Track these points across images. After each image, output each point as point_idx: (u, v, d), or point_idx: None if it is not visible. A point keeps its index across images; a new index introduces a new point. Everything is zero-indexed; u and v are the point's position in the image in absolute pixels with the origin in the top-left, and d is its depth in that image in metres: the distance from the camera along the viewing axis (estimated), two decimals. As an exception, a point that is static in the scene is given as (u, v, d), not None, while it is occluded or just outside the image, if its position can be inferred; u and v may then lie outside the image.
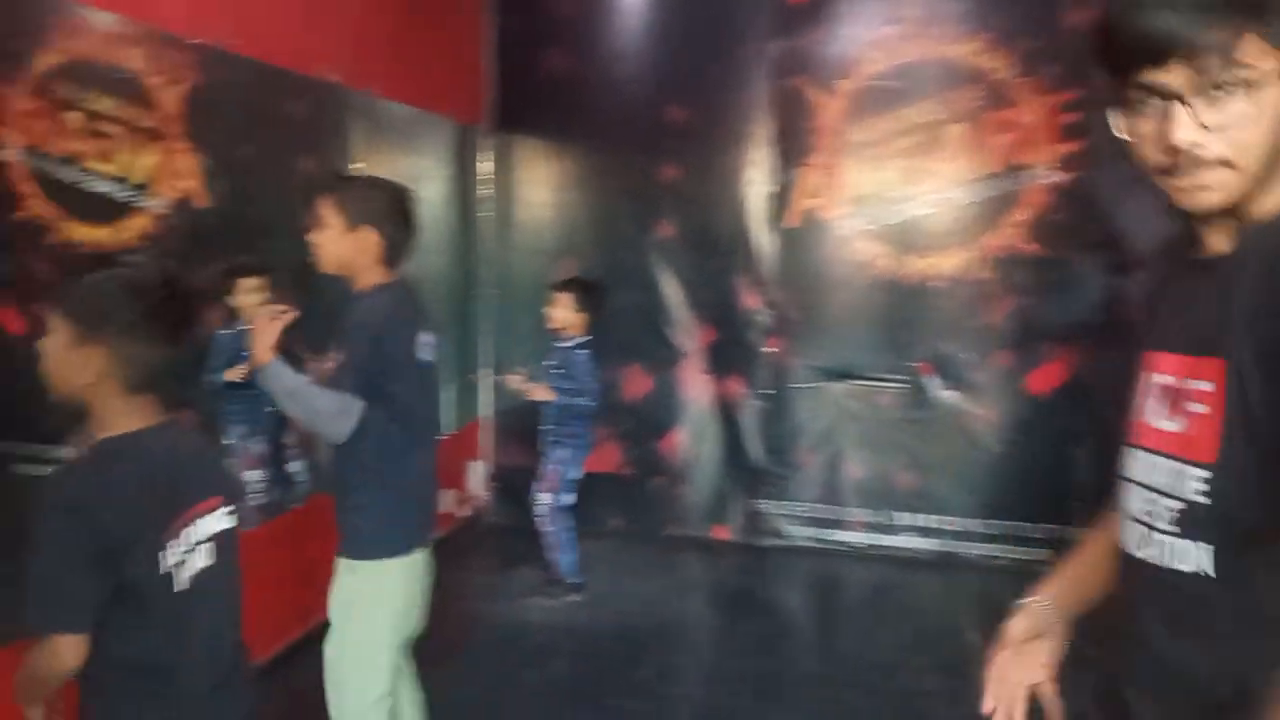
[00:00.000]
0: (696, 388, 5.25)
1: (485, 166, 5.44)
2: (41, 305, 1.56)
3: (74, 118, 3.58)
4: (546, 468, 4.31)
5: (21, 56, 3.37)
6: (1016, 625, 1.33)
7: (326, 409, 2.27)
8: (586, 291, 4.27)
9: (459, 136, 5.24)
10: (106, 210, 3.72)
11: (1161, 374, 1.15)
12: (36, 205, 3.57)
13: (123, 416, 1.51)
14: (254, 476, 3.75)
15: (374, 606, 2.43)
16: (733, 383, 5.20)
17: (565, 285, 4.28)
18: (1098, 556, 1.31)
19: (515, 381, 4.30)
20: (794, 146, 5.00)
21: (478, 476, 5.50)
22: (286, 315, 2.25)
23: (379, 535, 2.41)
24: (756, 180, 5.08)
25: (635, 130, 5.20)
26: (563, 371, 4.23)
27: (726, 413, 5.21)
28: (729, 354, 5.18)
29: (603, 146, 5.30)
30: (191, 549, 1.56)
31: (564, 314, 4.22)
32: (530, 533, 4.43)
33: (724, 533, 5.27)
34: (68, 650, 1.43)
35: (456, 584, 4.44)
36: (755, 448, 5.18)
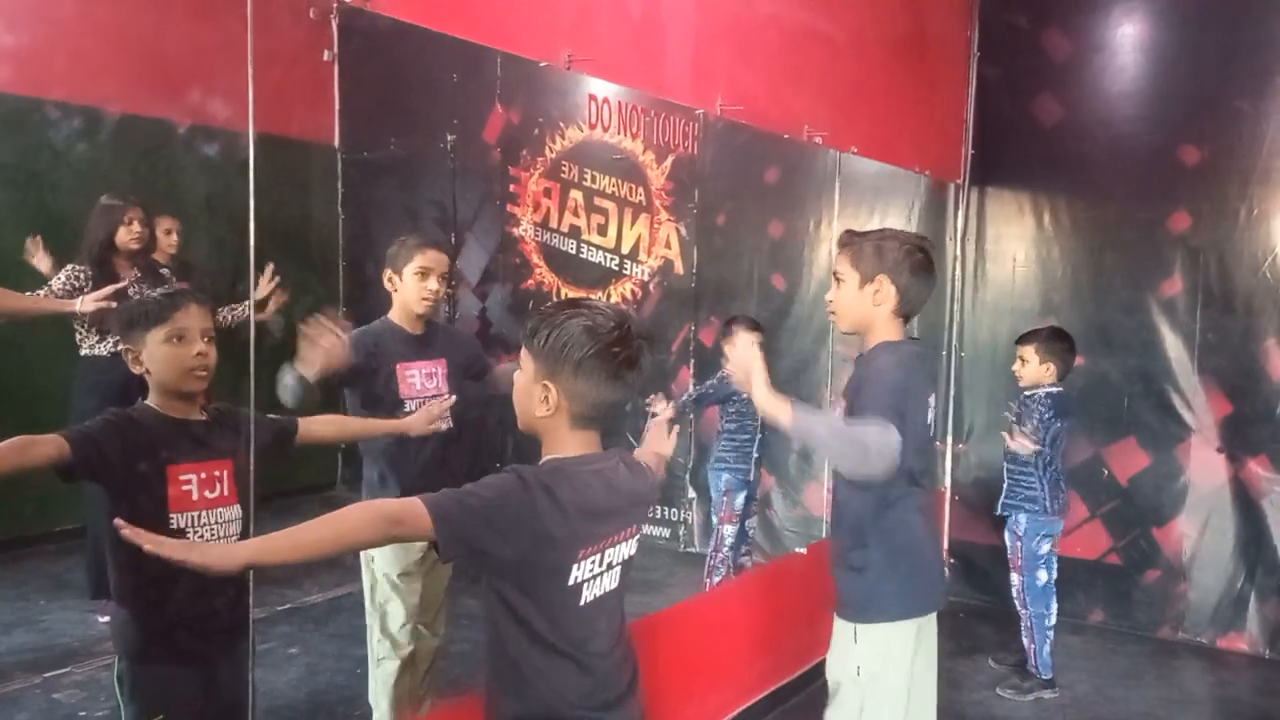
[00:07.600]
0: (1206, 469, 4.56)
1: (957, 223, 5.18)
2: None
3: (576, 196, 4.05)
4: (1010, 541, 3.95)
5: (541, 143, 3.88)
6: None
7: (864, 435, 2.05)
8: (1052, 341, 3.93)
9: (931, 192, 5.05)
10: (599, 277, 4.16)
11: None
12: (542, 274, 4.08)
13: (568, 446, 1.62)
14: (729, 531, 3.84)
15: (902, 674, 2.41)
16: (1255, 465, 4.46)
17: (1029, 337, 4.00)
18: None
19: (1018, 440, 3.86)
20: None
21: (937, 549, 5.17)
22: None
23: (895, 594, 2.39)
24: (1293, 227, 4.29)
25: (1138, 177, 4.67)
26: (1017, 423, 3.91)
27: (1245, 501, 4.49)
28: (1251, 431, 4.47)
29: (1095, 197, 4.83)
30: (604, 571, 1.65)
31: (1029, 369, 3.92)
32: (991, 615, 4.06)
33: (1237, 642, 4.49)
34: (407, 525, 1.45)
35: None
36: (1285, 545, 4.41)
